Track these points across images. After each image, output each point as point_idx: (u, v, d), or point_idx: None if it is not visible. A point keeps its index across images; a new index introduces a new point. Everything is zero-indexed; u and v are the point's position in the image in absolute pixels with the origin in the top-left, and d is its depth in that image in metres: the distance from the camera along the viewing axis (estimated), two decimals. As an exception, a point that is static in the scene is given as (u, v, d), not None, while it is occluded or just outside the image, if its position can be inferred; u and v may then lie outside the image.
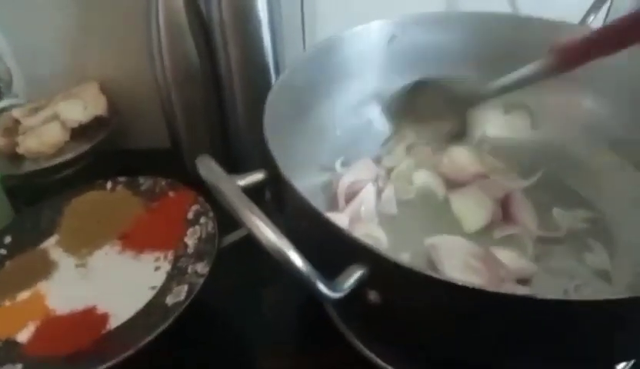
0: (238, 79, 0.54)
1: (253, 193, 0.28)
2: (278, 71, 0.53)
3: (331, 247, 0.26)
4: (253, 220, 0.23)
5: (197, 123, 0.59)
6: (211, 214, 0.45)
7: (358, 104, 0.51)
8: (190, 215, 0.46)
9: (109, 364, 0.34)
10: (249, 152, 0.58)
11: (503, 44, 0.46)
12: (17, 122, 0.60)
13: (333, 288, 0.23)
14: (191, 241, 0.44)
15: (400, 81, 0.48)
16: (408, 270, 0.23)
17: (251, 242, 0.23)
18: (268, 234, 0.22)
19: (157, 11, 0.52)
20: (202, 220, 0.45)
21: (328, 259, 0.25)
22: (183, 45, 0.54)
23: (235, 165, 0.60)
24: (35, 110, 0.61)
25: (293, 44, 0.60)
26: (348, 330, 0.40)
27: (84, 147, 0.60)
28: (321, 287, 0.23)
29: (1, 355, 0.37)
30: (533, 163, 0.47)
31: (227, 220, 0.31)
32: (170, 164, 0.59)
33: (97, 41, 0.62)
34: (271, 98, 0.38)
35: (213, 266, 0.40)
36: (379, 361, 0.38)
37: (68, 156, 0.58)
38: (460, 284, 0.23)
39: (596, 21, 0.43)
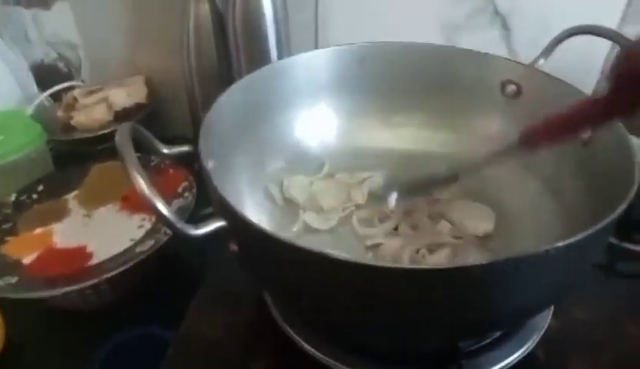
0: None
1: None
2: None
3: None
4: (135, 175, 0.30)
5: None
6: (194, 190, 0.54)
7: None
8: (179, 189, 0.55)
9: (77, 286, 0.43)
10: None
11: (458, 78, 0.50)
12: (75, 100, 0.73)
13: (193, 229, 0.30)
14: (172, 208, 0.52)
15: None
16: (253, 227, 0.29)
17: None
18: (144, 187, 0.30)
19: (189, 16, 0.63)
20: (186, 194, 0.54)
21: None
22: (207, 47, 0.64)
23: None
24: (91, 92, 0.73)
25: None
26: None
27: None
28: (181, 226, 0.30)
29: (6, 270, 0.47)
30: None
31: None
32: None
33: (145, 41, 0.73)
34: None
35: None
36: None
37: (106, 130, 0.70)
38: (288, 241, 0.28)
39: (545, 64, 0.46)
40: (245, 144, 0.48)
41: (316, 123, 0.53)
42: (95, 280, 0.44)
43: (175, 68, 0.73)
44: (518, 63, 0.47)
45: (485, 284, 0.28)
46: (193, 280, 0.50)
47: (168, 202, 0.52)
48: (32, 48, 0.78)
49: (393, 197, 0.45)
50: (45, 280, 0.45)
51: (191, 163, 0.41)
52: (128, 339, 0.47)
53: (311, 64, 0.51)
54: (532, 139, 0.37)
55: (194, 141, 0.40)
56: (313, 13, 0.66)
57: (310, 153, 0.53)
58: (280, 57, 0.61)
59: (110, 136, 0.69)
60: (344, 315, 0.32)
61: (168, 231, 0.48)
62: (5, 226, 0.53)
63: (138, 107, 0.73)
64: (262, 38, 0.60)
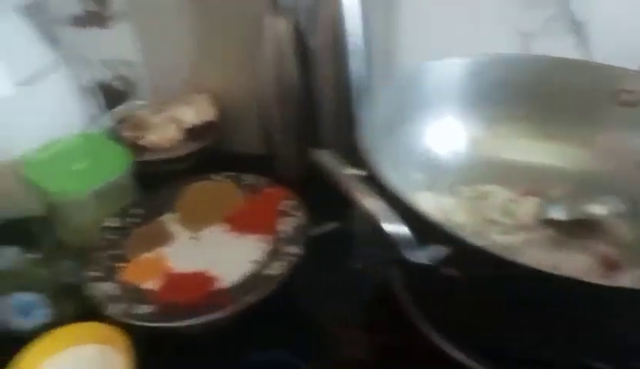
0: (329, 98, 0.64)
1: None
2: (364, 94, 0.62)
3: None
4: (365, 196, 0.31)
5: (289, 134, 0.69)
6: (301, 208, 0.54)
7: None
8: (281, 207, 0.55)
9: (222, 314, 0.43)
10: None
11: (569, 88, 0.53)
12: (142, 120, 0.72)
13: (424, 256, 0.31)
14: (283, 228, 0.53)
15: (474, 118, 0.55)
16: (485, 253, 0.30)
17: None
18: (378, 207, 0.31)
19: (266, 38, 0.63)
20: (293, 212, 0.54)
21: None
22: (284, 67, 0.65)
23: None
24: (158, 111, 0.73)
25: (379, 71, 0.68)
26: (417, 313, 0.46)
27: (193, 146, 0.71)
28: (414, 251, 0.31)
29: (136, 298, 0.47)
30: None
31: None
32: (261, 167, 0.65)
33: (211, 60, 0.74)
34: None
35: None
36: (447, 347, 0.43)
37: (179, 152, 0.70)
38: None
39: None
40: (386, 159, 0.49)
41: (443, 133, 0.54)
42: (238, 307, 0.44)
43: (239, 87, 0.74)
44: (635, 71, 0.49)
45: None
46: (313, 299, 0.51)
47: (274, 221, 0.54)
48: (88, 68, 0.76)
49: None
50: (180, 307, 0.45)
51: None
52: (259, 365, 0.47)
53: (442, 72, 0.53)
54: None
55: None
56: (386, 26, 0.67)
57: (438, 164, 0.54)
58: (363, 73, 0.62)
59: (183, 157, 0.70)
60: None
61: (294, 251, 0.49)
62: (114, 252, 0.53)
63: (207, 125, 0.73)
64: (347, 55, 0.61)
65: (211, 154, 0.72)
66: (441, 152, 0.55)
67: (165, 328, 0.44)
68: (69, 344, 0.49)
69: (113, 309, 0.45)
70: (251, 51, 0.66)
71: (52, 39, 0.69)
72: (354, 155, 0.41)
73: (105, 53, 0.76)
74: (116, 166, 0.60)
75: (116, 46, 0.75)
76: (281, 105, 0.67)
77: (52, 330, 0.49)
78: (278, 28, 0.63)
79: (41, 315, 0.51)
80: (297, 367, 0.45)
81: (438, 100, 0.55)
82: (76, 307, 0.52)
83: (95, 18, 0.72)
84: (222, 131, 0.73)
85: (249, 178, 0.61)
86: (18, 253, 0.57)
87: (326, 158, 0.36)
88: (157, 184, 0.62)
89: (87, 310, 0.51)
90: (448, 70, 0.54)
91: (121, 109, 0.75)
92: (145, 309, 0.45)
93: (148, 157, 0.70)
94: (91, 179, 0.57)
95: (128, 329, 0.46)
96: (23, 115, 0.63)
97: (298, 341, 0.48)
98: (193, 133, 0.72)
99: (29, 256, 0.56)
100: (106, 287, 0.48)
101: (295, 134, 0.68)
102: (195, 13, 0.70)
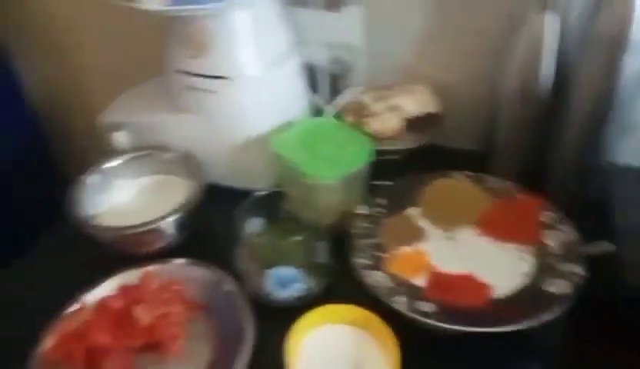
0: (585, 99, 0.60)
1: None
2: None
3: None
4: None
5: (520, 136, 0.66)
6: (569, 221, 0.52)
7: None
8: (543, 218, 0.53)
9: (512, 327, 0.43)
10: (570, 172, 0.64)
11: None
12: (364, 107, 0.72)
13: None
14: (551, 242, 0.51)
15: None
16: None
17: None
18: None
19: (525, 34, 0.60)
20: (558, 225, 0.52)
21: None
22: (532, 67, 0.62)
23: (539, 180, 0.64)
24: (379, 98, 0.73)
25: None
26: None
27: (413, 138, 0.70)
28: None
29: (411, 293, 0.48)
30: None
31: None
32: (473, 166, 0.64)
33: (435, 47, 0.72)
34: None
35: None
36: None
37: (401, 144, 0.69)
38: None
39: None
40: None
41: None
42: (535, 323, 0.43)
43: (467, 79, 0.72)
44: None
45: None
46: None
47: (536, 234, 0.52)
48: (312, 50, 0.77)
49: None
50: (459, 311, 0.45)
51: None
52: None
53: None
54: None
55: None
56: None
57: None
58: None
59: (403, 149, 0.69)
60: None
61: (570, 269, 0.47)
62: (372, 241, 0.54)
63: (428, 117, 0.72)
64: (612, 67, 0.57)
65: (425, 147, 0.71)
66: None
67: (452, 331, 0.44)
68: (328, 322, 0.51)
69: (396, 302, 0.46)
70: (494, 44, 0.64)
71: (293, 22, 0.71)
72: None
73: (330, 36, 0.76)
74: (361, 154, 0.60)
75: (341, 30, 0.75)
76: (524, 103, 0.64)
77: (316, 307, 0.51)
78: (541, 25, 0.60)
79: (296, 289, 0.54)
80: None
81: None
82: (326, 285, 0.55)
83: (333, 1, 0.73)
84: (440, 124, 0.72)
85: (493, 181, 0.59)
86: (264, 224, 0.60)
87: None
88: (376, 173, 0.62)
89: (332, 290, 0.55)
90: None
91: (344, 94, 0.75)
92: (426, 307, 0.46)
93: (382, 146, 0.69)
94: (341, 165, 0.58)
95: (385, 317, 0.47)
96: (268, 95, 0.66)
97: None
98: (412, 124, 0.72)
99: (276, 229, 0.59)
100: (379, 277, 0.49)
101: (529, 135, 0.66)
102: (435, 2, 0.69)
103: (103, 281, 0.53)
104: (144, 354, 0.48)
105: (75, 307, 0.51)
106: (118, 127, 0.71)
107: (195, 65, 0.62)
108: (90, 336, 0.46)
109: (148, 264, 0.55)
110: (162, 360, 0.47)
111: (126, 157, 0.69)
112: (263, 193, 0.60)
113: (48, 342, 0.48)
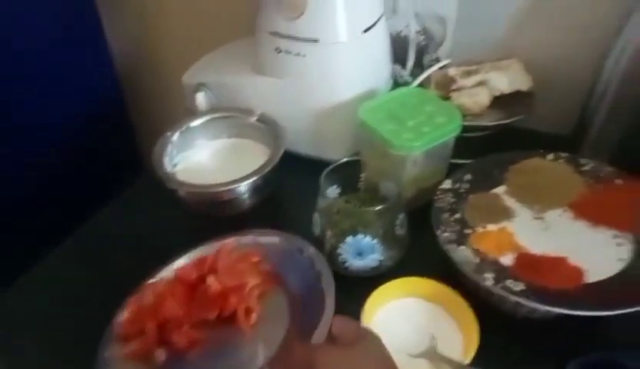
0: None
1: None
2: None
3: None
4: None
5: (622, 120, 0.61)
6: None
7: None
8: (643, 205, 0.50)
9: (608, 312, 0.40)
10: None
11: None
12: (451, 79, 0.70)
13: None
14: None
15: None
16: None
17: None
18: None
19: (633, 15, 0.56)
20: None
21: None
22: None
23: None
24: (468, 73, 0.70)
25: None
26: None
27: (500, 115, 0.67)
28: None
29: (499, 270, 0.46)
30: None
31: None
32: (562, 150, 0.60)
33: (535, 22, 0.68)
34: None
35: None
36: None
37: (489, 120, 0.66)
38: None
39: None
40: None
41: None
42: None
43: (564, 58, 0.67)
44: None
45: None
46: None
47: (635, 219, 0.48)
48: (400, 19, 0.75)
49: None
50: (551, 293, 0.43)
51: None
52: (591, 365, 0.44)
53: None
54: None
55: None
56: None
57: None
58: None
59: (488, 126, 0.66)
60: None
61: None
62: (456, 216, 0.52)
63: (519, 95, 0.68)
64: None
65: (508, 127, 0.67)
66: None
67: (543, 312, 0.42)
68: (405, 294, 0.51)
69: (485, 278, 0.45)
70: (602, 22, 0.60)
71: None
72: None
73: (420, 6, 0.74)
74: (449, 126, 0.58)
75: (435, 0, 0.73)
76: (623, 87, 0.59)
77: (392, 279, 0.50)
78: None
79: (373, 259, 0.53)
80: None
81: None
82: (401, 257, 0.54)
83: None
84: (531, 104, 0.68)
85: (591, 164, 0.56)
86: (342, 193, 0.59)
87: None
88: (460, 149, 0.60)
89: (405, 262, 0.54)
90: None
91: (431, 67, 0.72)
92: (515, 285, 0.44)
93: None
94: (427, 137, 0.56)
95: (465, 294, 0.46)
96: (355, 62, 0.65)
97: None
98: (500, 101, 0.68)
99: (353, 198, 0.59)
100: (465, 253, 0.48)
101: (631, 119, 0.61)
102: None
103: (180, 256, 0.53)
104: (218, 329, 0.46)
105: (151, 280, 0.52)
106: (200, 88, 0.72)
107: (289, 27, 0.61)
108: (162, 310, 0.45)
109: (226, 235, 0.54)
110: (237, 335, 0.45)
111: (207, 117, 0.70)
112: (343, 160, 0.59)
113: (123, 316, 0.48)
